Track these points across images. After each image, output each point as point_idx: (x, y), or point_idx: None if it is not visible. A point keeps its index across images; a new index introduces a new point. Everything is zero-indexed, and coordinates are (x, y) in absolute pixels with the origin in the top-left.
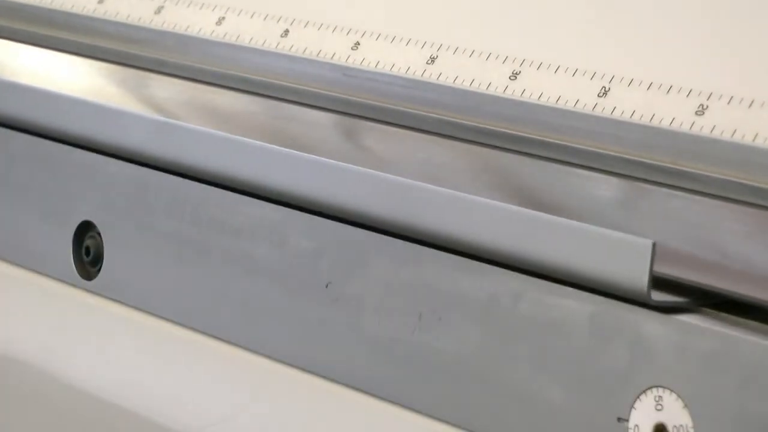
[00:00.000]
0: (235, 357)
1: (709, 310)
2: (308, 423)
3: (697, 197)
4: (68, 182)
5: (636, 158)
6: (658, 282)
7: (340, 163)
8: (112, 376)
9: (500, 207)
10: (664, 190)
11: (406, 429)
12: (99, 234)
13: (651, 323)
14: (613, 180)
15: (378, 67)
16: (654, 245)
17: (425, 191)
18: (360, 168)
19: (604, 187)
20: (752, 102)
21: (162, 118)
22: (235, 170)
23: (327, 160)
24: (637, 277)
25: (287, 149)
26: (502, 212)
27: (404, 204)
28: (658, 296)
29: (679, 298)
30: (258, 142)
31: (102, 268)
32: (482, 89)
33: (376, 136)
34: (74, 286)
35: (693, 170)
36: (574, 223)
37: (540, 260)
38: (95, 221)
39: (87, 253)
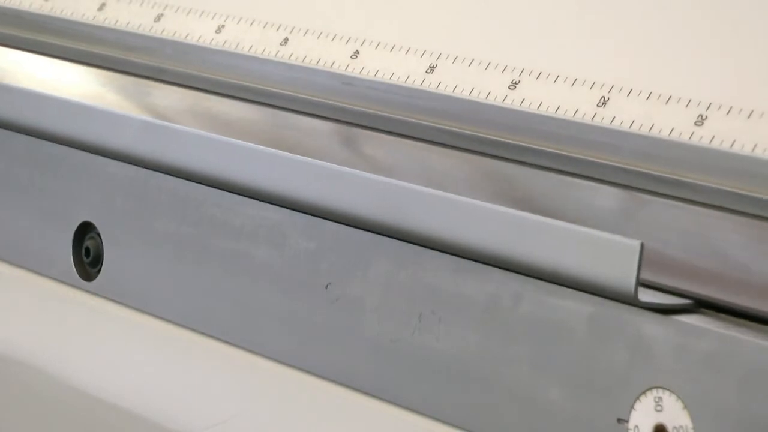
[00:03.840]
0: (235, 358)
1: (708, 311)
2: (308, 424)
3: (696, 207)
4: (68, 183)
5: (635, 168)
6: (653, 290)
7: (341, 167)
8: (113, 377)
9: (489, 208)
10: (663, 200)
11: (405, 430)
12: (99, 235)
13: (650, 324)
14: (612, 190)
15: (377, 75)
16: (642, 245)
17: (420, 194)
18: (359, 172)
19: (603, 197)
20: (751, 112)
21: (160, 121)
22: (235, 173)
23: (327, 164)
24: (625, 278)
25: (287, 153)
26: (490, 213)
27: (402, 207)
28: (647, 297)
29: (667, 300)
30: (259, 146)
31: (102, 268)
32: (481, 98)
33: (375, 145)
34: (74, 287)
35: (692, 180)
36: (562, 223)
37: (529, 261)
38: (95, 222)
39: (87, 254)
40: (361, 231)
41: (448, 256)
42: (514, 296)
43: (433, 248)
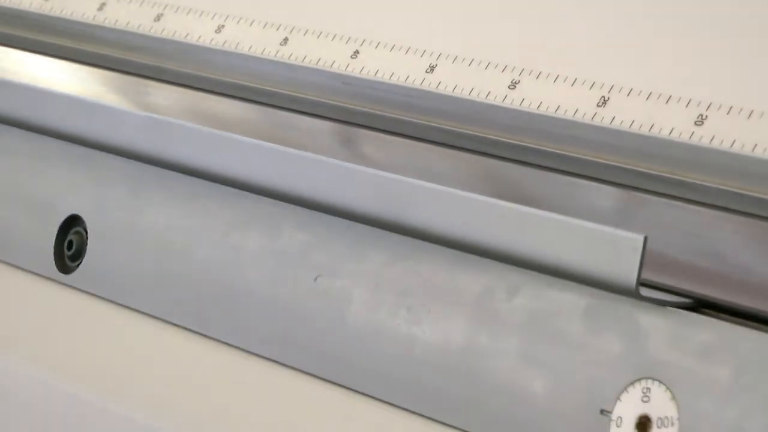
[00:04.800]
0: (219, 353)
1: (705, 309)
2: (295, 421)
3: (696, 207)
4: (58, 175)
5: (635, 168)
6: (653, 290)
7: (334, 160)
8: (86, 370)
9: (491, 202)
10: (663, 199)
11: (393, 426)
12: (85, 230)
13: (643, 315)
14: (612, 189)
15: (377, 75)
16: (645, 239)
17: (422, 189)
18: (354, 165)
19: (603, 197)
20: (751, 112)
21: (153, 115)
22: (226, 166)
23: (317, 156)
24: (627, 272)
25: (278, 146)
26: (494, 208)
27: (401, 202)
28: (647, 293)
29: (668, 296)
30: (248, 139)
31: (82, 262)
32: (481, 98)
33: (374, 145)
34: (49, 279)
35: (692, 180)
36: (565, 218)
37: (531, 256)
38: (82, 215)
39: (69, 247)
40: (349, 222)
41: (441, 247)
42: (503, 288)
43: (434, 242)
